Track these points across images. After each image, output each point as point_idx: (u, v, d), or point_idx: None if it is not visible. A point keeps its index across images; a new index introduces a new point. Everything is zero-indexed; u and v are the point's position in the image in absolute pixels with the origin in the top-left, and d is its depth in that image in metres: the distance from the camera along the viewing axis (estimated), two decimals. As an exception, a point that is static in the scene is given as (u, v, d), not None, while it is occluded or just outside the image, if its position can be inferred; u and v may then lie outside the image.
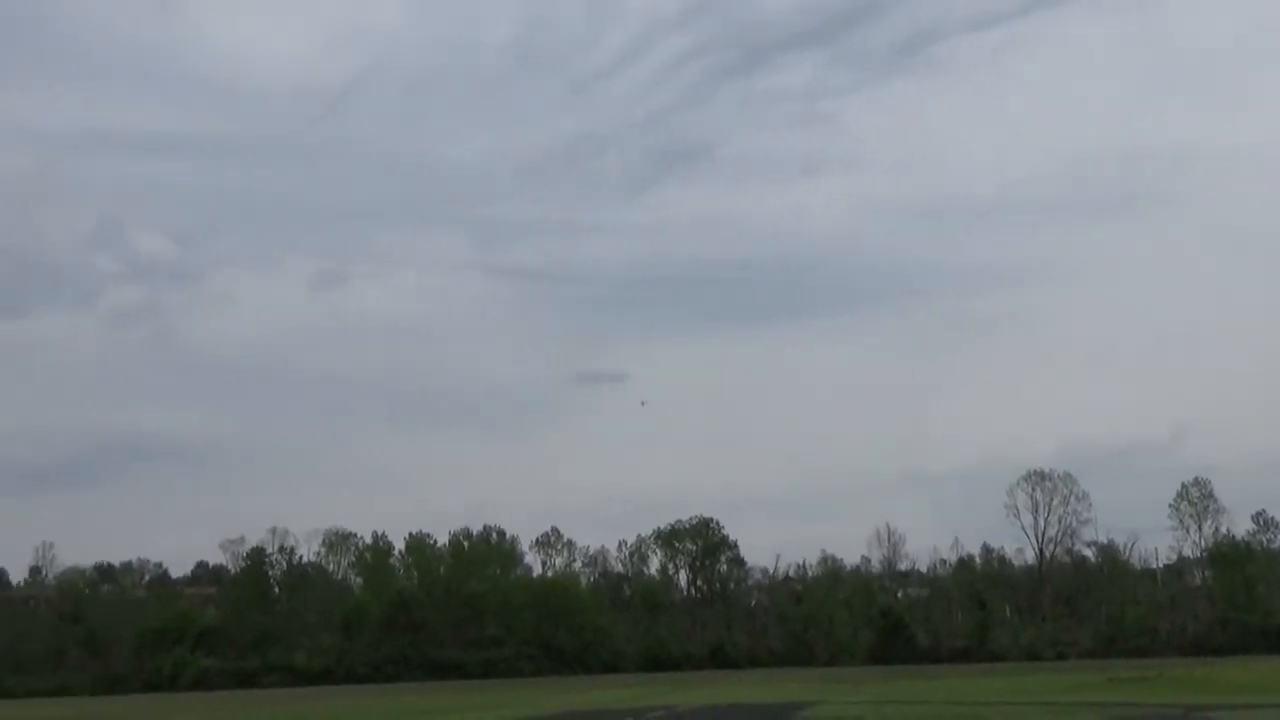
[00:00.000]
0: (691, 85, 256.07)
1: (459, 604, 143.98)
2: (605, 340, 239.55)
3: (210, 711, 64.01)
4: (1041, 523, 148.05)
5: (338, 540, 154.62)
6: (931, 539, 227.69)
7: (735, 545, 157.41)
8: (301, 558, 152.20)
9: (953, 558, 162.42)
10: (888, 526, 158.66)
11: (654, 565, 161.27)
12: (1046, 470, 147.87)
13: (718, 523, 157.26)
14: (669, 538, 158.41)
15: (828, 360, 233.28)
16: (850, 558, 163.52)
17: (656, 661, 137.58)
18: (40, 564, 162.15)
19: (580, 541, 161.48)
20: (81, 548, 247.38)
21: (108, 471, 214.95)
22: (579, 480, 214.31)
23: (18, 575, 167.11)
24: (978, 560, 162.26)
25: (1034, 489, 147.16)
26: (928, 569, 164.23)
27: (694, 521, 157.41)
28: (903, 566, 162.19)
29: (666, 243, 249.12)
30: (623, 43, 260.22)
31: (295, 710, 61.46)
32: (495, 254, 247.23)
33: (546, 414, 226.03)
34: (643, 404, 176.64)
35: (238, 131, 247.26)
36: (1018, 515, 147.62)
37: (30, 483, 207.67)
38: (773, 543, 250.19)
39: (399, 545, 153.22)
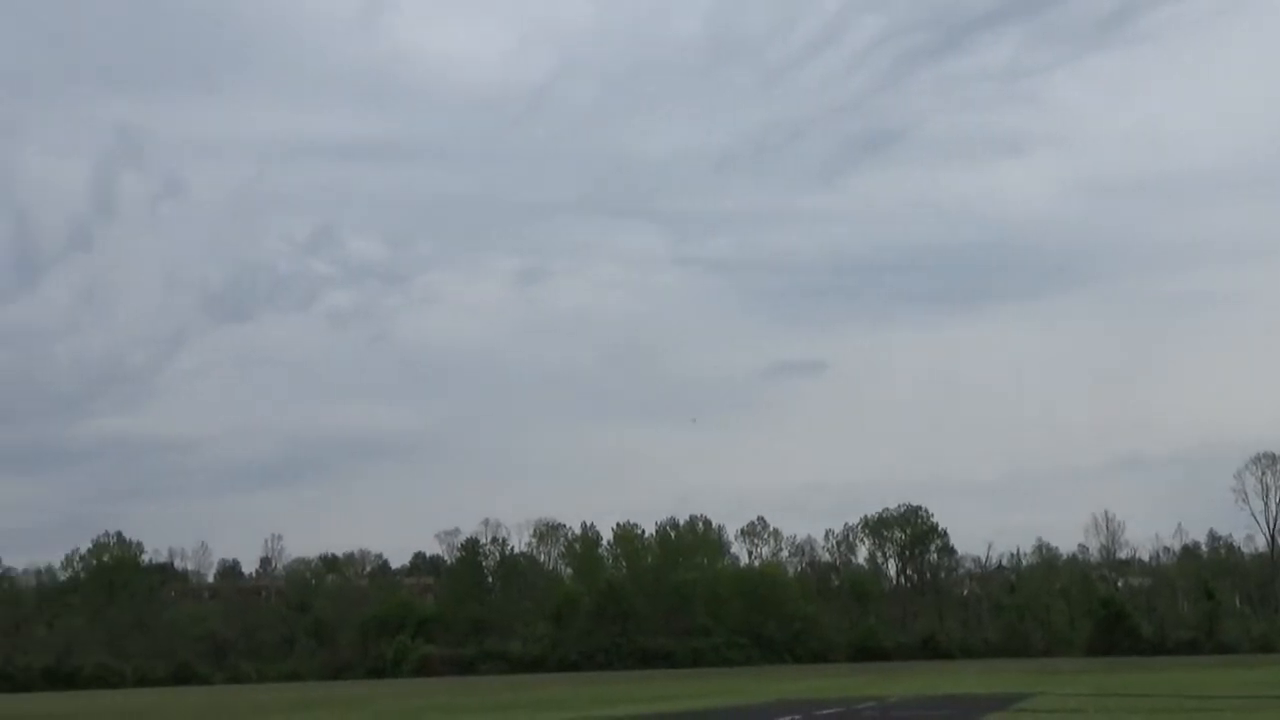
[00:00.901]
0: (886, 69, 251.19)
1: (667, 593, 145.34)
2: (804, 329, 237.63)
3: (431, 695, 66.11)
4: (1273, 508, 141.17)
5: (547, 531, 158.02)
6: (1152, 526, 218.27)
7: (945, 533, 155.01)
8: (513, 549, 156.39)
9: (1176, 545, 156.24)
10: (1105, 513, 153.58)
11: (862, 554, 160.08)
12: (1278, 453, 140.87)
13: (926, 510, 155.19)
14: (877, 526, 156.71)
15: (1037, 343, 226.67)
16: (1066, 546, 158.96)
17: (866, 651, 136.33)
18: (270, 555, 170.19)
19: (786, 531, 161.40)
20: (308, 539, 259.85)
21: (331, 466, 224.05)
22: (783, 469, 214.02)
23: (249, 566, 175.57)
24: (1203, 548, 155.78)
25: (1264, 473, 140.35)
26: (1149, 557, 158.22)
27: (902, 509, 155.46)
28: (1122, 555, 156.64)
29: (864, 229, 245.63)
30: (815, 29, 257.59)
31: (512, 697, 63.00)
32: (692, 246, 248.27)
33: (747, 404, 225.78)
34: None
35: (441, 134, 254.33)
36: (1246, 500, 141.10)
37: (260, 478, 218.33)
38: (983, 531, 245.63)
39: (607, 536, 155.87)
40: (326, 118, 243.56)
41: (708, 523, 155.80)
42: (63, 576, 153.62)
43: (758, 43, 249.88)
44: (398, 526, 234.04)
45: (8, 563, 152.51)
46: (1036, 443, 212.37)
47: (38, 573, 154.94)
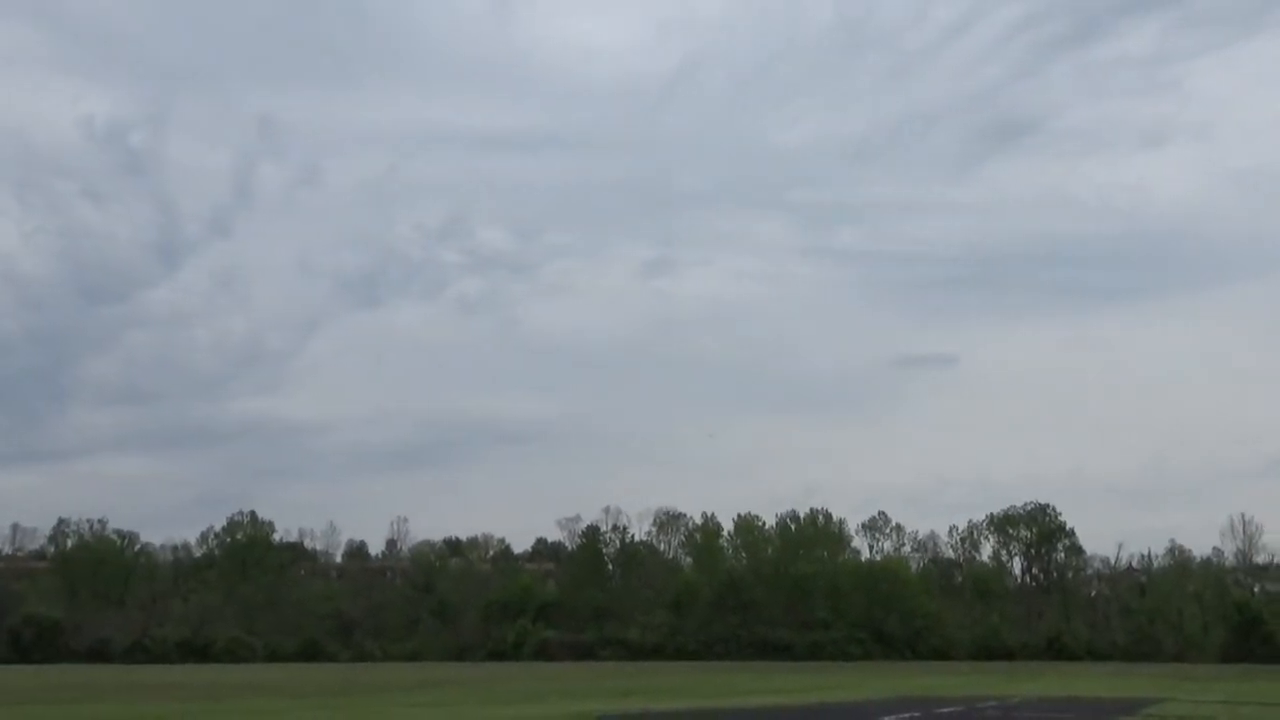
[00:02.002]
0: (1022, 58, 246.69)
1: (787, 585, 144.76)
2: (934, 322, 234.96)
3: (551, 680, 66.85)
4: None
5: (668, 520, 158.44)
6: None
7: (1073, 533, 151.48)
8: (634, 537, 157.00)
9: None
10: (1243, 516, 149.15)
11: (986, 551, 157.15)
12: None
13: (1054, 509, 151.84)
14: (1002, 523, 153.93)
15: (1175, 340, 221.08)
16: (1200, 549, 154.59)
17: (989, 650, 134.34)
18: (396, 537, 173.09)
19: (909, 526, 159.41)
20: (432, 522, 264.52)
21: (456, 451, 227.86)
22: (907, 464, 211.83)
23: (376, 548, 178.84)
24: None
25: None
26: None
27: (1029, 507, 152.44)
28: (1260, 559, 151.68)
29: (998, 221, 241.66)
30: (949, 17, 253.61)
31: (631, 683, 63.38)
32: (822, 237, 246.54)
33: (874, 397, 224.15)
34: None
35: (571, 126, 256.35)
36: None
37: (388, 461, 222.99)
38: (1113, 531, 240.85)
39: (727, 526, 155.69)
40: (459, 109, 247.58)
41: (829, 516, 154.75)
42: (198, 553, 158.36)
43: (892, 31, 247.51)
44: (520, 512, 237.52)
45: (146, 539, 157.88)
46: (1172, 443, 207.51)
47: (175, 549, 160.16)
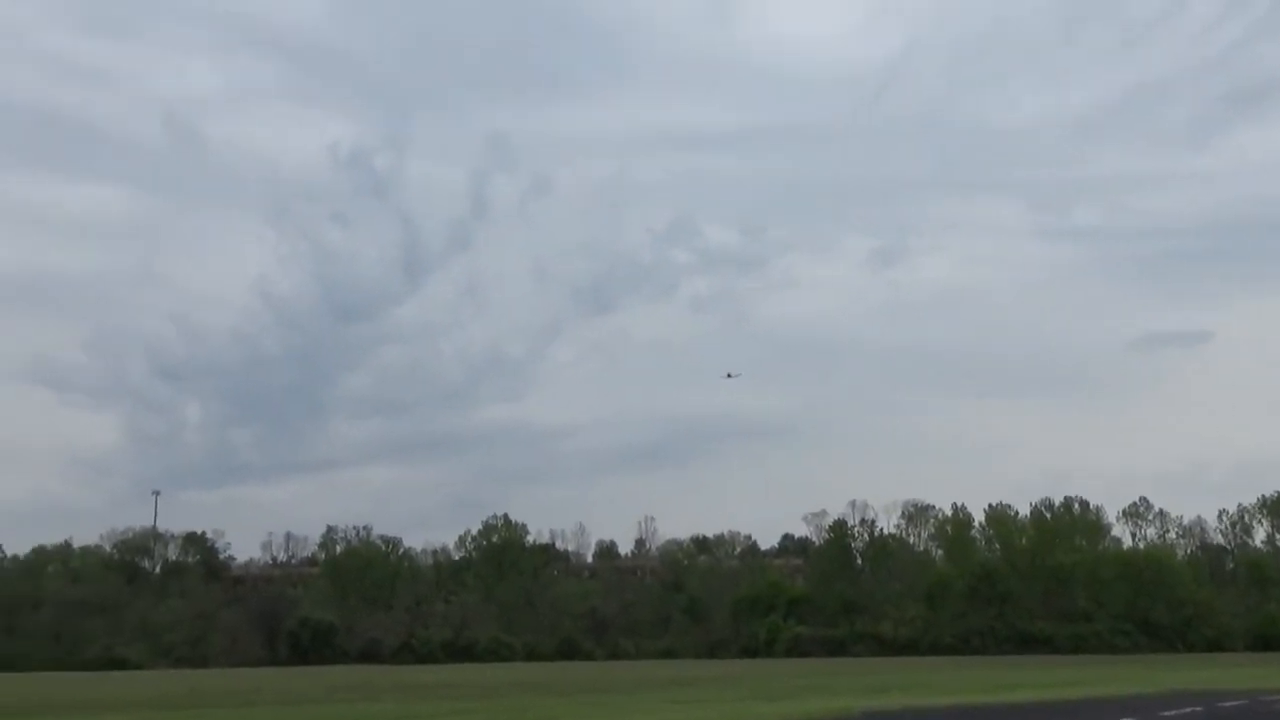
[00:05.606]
0: (1260, 18, 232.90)
1: (1044, 576, 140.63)
2: (1179, 298, 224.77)
3: (805, 676, 66.57)
4: None
5: (916, 512, 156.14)
6: None
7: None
8: (882, 530, 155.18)
9: None
10: None
11: (1259, 536, 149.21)
12: None
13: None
14: (1276, 506, 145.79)
15: None
16: None
17: (1266, 640, 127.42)
18: (644, 536, 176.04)
19: (1172, 511, 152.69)
20: (678, 520, 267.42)
21: (697, 449, 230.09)
22: (1164, 446, 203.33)
23: (624, 547, 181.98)
24: None
25: None
26: None
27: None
28: None
29: (1245, 189, 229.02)
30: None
31: (887, 679, 62.59)
32: (1053, 216, 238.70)
33: (1120, 378, 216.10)
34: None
35: (790, 121, 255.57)
36: None
37: (631, 461, 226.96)
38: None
39: (978, 517, 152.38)
40: (680, 109, 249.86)
41: (1085, 503, 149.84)
42: (457, 556, 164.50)
43: (1115, 1, 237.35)
44: (764, 508, 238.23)
45: (408, 543, 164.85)
46: None
47: (434, 553, 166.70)
